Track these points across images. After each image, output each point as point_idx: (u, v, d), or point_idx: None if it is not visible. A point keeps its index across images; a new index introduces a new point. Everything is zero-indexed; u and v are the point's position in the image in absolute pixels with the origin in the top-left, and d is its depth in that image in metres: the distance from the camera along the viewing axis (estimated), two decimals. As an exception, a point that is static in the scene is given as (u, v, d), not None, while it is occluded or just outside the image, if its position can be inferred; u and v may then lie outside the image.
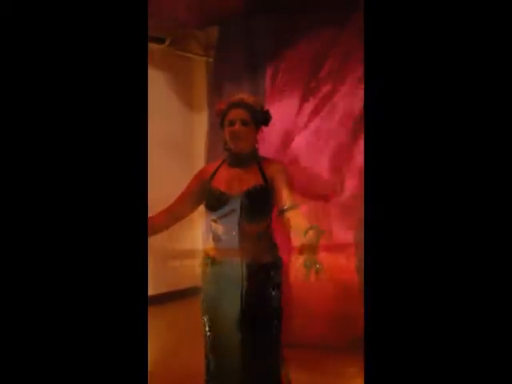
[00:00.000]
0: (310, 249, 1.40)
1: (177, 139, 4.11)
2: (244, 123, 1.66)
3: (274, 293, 1.69)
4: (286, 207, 1.62)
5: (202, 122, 3.74)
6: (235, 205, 1.63)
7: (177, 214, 1.79)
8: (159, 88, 4.09)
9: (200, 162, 3.32)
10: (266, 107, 1.81)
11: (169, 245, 3.60)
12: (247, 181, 1.67)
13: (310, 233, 1.46)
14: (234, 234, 1.64)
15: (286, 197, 1.64)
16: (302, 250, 1.41)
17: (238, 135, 1.66)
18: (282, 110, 3.06)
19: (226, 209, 1.64)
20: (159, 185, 3.48)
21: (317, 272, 1.33)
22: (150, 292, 3.64)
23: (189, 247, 3.73)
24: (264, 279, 1.68)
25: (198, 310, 1.78)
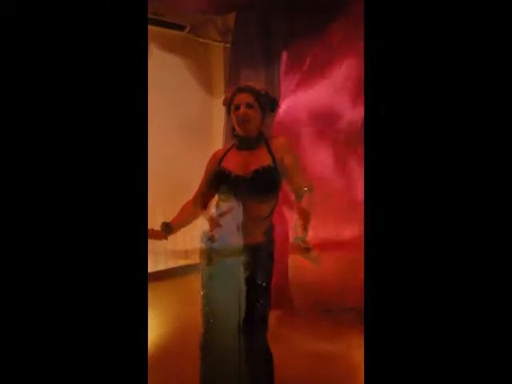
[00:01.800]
0: (304, 218, 1.58)
1: (196, 124, 4.20)
2: (249, 106, 1.68)
3: (261, 278, 1.72)
4: (304, 189, 1.68)
5: (220, 106, 3.81)
6: (242, 186, 1.66)
7: (201, 202, 1.82)
8: (179, 74, 4.19)
9: (219, 147, 3.42)
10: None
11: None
12: (255, 162, 1.68)
13: (305, 197, 1.63)
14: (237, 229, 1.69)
15: (300, 177, 1.70)
16: (297, 220, 1.56)
17: (244, 118, 1.67)
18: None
19: (228, 205, 1.69)
20: (178, 171, 3.65)
21: (308, 250, 1.47)
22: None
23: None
24: (255, 261, 1.70)
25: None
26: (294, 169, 1.70)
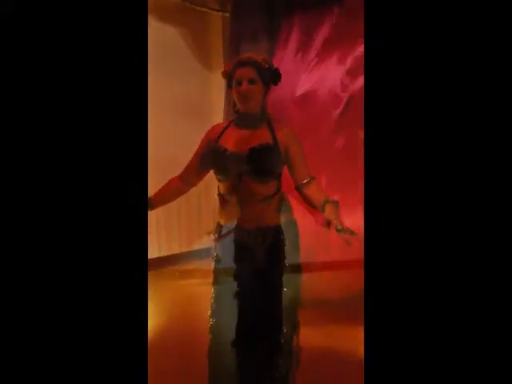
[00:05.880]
0: (335, 220, 1.46)
1: (193, 99, 4.04)
2: (251, 81, 1.60)
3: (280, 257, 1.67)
4: (305, 181, 1.62)
5: (219, 80, 3.65)
6: (239, 164, 1.60)
7: (189, 179, 1.77)
8: (175, 45, 4.00)
9: (218, 122, 3.28)
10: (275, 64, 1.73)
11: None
12: (255, 140, 1.61)
13: (327, 208, 1.51)
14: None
15: (303, 169, 1.64)
16: (326, 224, 1.46)
17: (246, 94, 1.60)
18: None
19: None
20: (175, 147, 3.49)
21: (352, 234, 1.39)
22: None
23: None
24: (274, 243, 1.64)
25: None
26: (298, 160, 1.64)
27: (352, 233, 1.40)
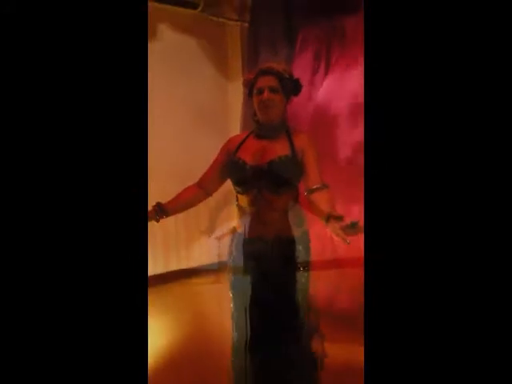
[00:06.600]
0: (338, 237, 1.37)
1: (211, 109, 3.99)
2: (273, 90, 1.60)
3: (301, 269, 1.64)
4: (314, 187, 1.56)
5: (237, 90, 3.61)
6: (258, 177, 1.57)
7: (206, 188, 1.75)
8: (192, 55, 3.97)
9: (235, 132, 3.21)
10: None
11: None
12: (273, 151, 1.60)
13: (332, 221, 1.39)
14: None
15: (315, 175, 1.59)
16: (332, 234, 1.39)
17: (267, 103, 1.59)
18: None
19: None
20: (192, 156, 3.45)
21: (355, 228, 1.29)
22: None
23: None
24: (290, 255, 1.62)
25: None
26: (311, 165, 1.61)
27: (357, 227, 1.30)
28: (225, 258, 1.72)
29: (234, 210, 1.72)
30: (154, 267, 3.53)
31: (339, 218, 1.36)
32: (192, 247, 3.91)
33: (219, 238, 1.73)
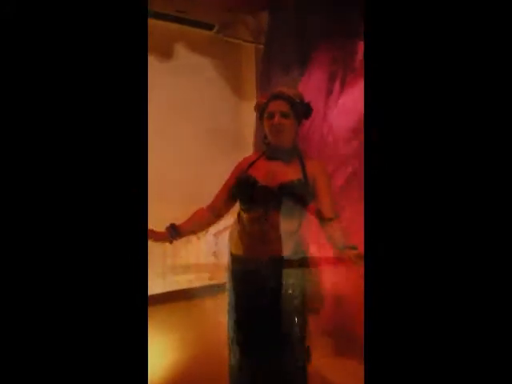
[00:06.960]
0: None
1: (225, 128, 4.02)
2: (284, 115, 1.61)
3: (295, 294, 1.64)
4: (327, 218, 1.56)
5: (250, 110, 3.61)
6: (267, 197, 1.58)
7: (218, 210, 1.74)
8: (207, 75, 4.01)
9: (248, 153, 3.20)
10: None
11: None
12: (285, 175, 1.60)
13: (347, 251, 1.42)
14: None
15: (328, 205, 1.58)
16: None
17: (278, 128, 1.60)
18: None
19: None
20: (206, 176, 3.45)
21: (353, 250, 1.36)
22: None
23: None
24: (288, 278, 1.62)
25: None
26: (324, 194, 1.61)
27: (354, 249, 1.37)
28: (221, 256, 1.72)
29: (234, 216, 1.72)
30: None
31: (354, 248, 1.40)
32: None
33: (216, 235, 1.70)
